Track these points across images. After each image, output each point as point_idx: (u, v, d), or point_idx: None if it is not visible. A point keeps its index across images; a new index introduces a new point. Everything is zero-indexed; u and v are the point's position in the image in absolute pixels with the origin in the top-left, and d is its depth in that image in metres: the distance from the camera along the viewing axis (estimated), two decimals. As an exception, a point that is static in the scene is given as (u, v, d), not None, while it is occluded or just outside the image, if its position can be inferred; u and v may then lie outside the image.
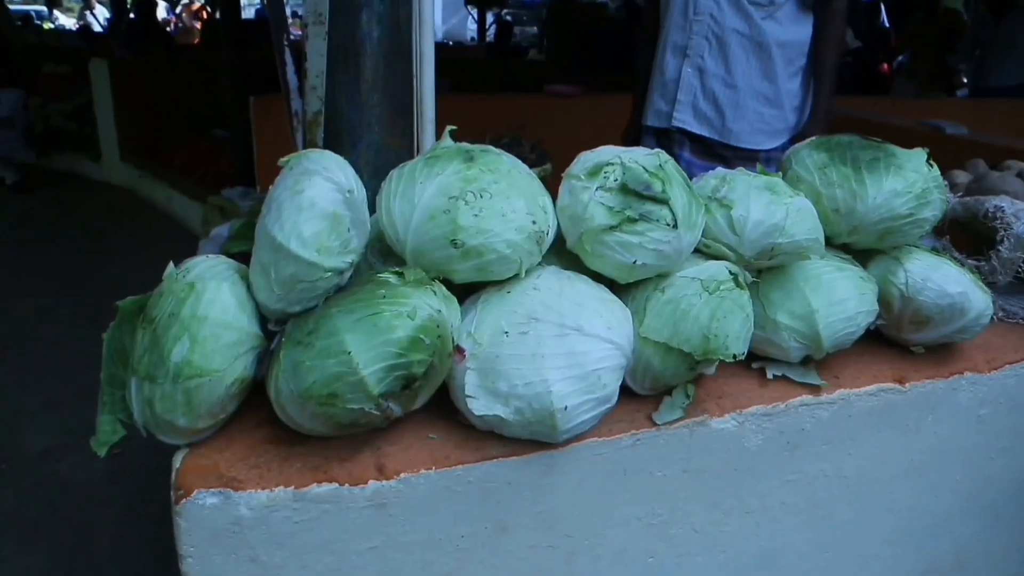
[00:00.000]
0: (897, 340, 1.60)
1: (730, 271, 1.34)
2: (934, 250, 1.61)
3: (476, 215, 1.19)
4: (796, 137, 2.55)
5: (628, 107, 2.93)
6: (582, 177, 1.29)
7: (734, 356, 1.27)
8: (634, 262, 1.27)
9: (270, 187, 1.20)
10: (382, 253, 1.36)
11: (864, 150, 1.50)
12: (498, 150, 1.32)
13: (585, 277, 1.31)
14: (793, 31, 2.45)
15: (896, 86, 8.55)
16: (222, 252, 3.26)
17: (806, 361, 1.50)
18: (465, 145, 1.32)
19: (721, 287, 1.30)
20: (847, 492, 1.58)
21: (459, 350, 1.20)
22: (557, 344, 1.18)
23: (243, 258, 2.85)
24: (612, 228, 1.25)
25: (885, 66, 10.03)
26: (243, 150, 5.15)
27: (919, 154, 1.50)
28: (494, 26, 15.92)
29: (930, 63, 7.93)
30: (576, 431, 1.21)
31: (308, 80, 1.31)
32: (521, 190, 1.25)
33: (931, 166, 1.50)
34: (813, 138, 1.59)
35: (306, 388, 1.09)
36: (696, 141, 2.56)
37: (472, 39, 18.24)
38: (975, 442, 1.68)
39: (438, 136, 1.60)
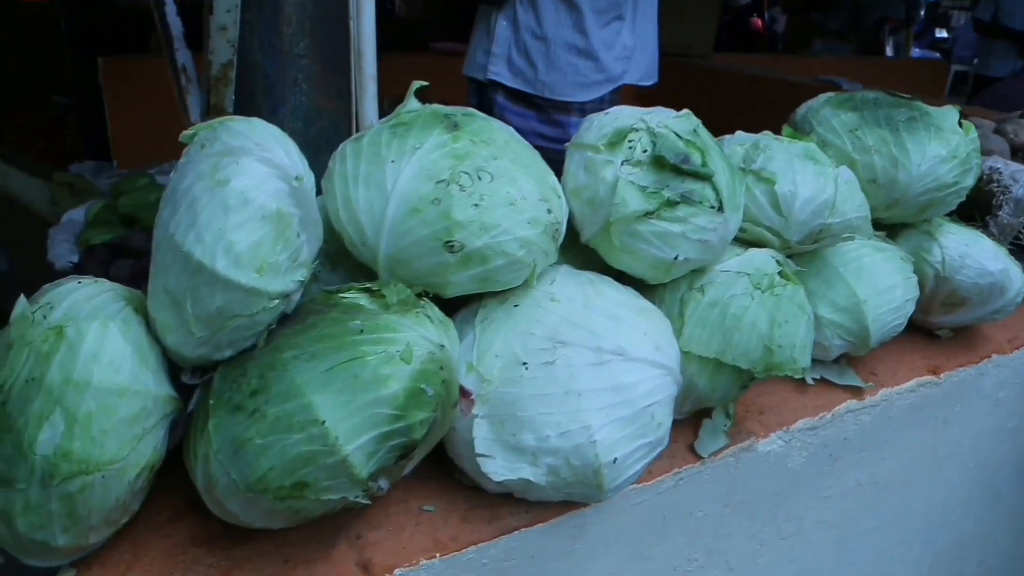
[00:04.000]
0: (921, 324, 1.41)
1: (777, 261, 1.08)
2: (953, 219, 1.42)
3: (477, 205, 0.85)
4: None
5: None
6: (601, 148, 0.98)
7: (803, 370, 1.01)
8: (675, 258, 0.98)
9: (172, 174, 0.81)
10: (329, 258, 1.00)
11: (896, 108, 1.27)
12: (483, 114, 0.99)
13: (608, 278, 1.01)
14: None
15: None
16: (80, 244, 2.68)
17: (839, 359, 1.28)
18: (439, 107, 0.97)
19: (775, 283, 1.03)
20: (875, 499, 1.40)
21: (463, 393, 0.88)
22: (596, 376, 0.88)
23: (111, 252, 2.26)
24: (648, 215, 0.95)
25: (759, 22, 10.20)
26: (91, 119, 4.41)
27: (952, 112, 1.29)
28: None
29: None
30: (622, 487, 0.92)
31: (214, 18, 0.92)
32: (527, 168, 0.92)
33: (964, 125, 1.30)
34: (829, 94, 1.36)
35: (259, 478, 0.73)
36: (511, 92, 2.43)
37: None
38: (989, 426, 1.55)
39: (388, 94, 1.23)
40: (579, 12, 2.33)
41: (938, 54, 7.07)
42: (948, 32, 7.60)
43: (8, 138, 5.36)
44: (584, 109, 2.41)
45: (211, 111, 1.02)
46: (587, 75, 2.43)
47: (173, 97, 1.19)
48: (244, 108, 1.08)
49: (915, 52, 7.09)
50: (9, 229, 4.49)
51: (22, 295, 0.79)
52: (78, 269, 2.25)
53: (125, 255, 2.21)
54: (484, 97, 2.46)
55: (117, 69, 3.90)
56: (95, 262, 2.18)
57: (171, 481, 0.85)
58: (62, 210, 3.40)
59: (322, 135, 1.12)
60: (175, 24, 1.16)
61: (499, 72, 2.42)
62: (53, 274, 2.40)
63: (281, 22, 1.03)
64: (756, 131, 1.23)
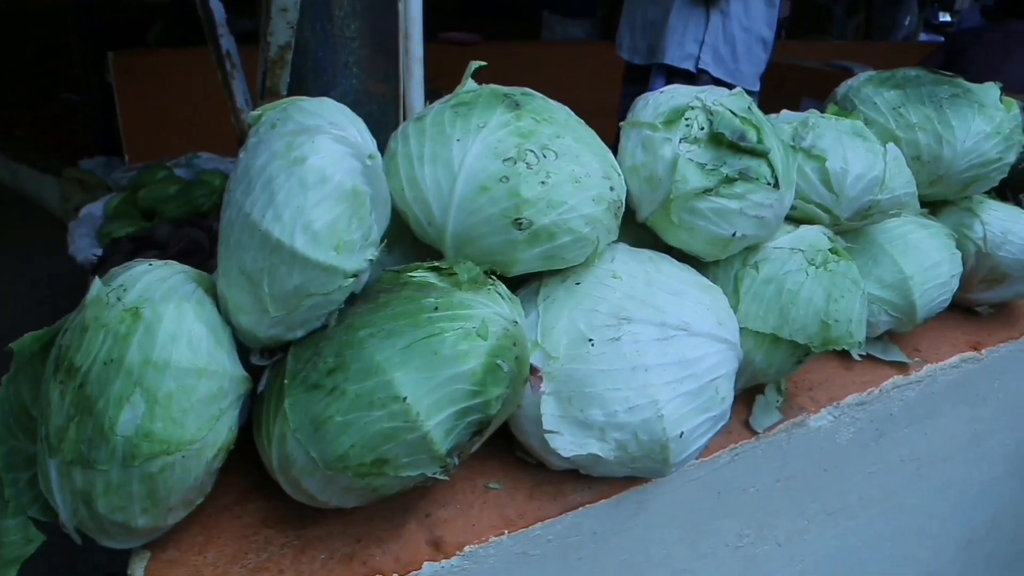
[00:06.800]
0: (960, 300, 1.41)
1: (828, 237, 1.08)
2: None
3: (544, 182, 0.85)
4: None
5: (536, 55, 2.87)
6: (659, 126, 0.98)
7: (859, 344, 1.01)
8: (733, 234, 0.98)
9: (240, 153, 0.81)
10: (387, 240, 0.99)
11: (939, 85, 1.27)
12: (540, 93, 0.99)
13: (666, 256, 1.01)
14: None
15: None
16: (101, 237, 2.68)
17: (883, 335, 1.28)
18: (498, 87, 0.97)
19: (829, 259, 1.03)
20: (917, 474, 1.40)
21: (532, 370, 0.88)
22: (661, 351, 0.88)
23: (135, 244, 2.26)
24: (707, 192, 0.95)
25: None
26: (101, 115, 4.40)
27: (993, 89, 1.29)
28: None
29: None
30: (686, 462, 0.93)
31: (275, 0, 0.91)
32: (589, 145, 0.92)
33: (1005, 102, 1.29)
34: (870, 72, 1.35)
35: (340, 456, 0.73)
36: (713, 81, 2.55)
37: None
38: (1025, 402, 1.55)
39: (428, 79, 1.23)
40: (773, 8, 2.54)
41: (942, 38, 7.05)
42: (952, 16, 7.58)
43: (17, 135, 5.35)
44: (755, 97, 2.53)
45: (267, 95, 1.02)
46: (762, 67, 2.67)
47: (184, 90, 1.18)
48: (294, 91, 1.08)
49: (923, 37, 7.05)
50: (22, 224, 4.48)
51: (95, 277, 0.79)
52: (103, 262, 2.25)
53: (150, 247, 2.21)
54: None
55: (127, 63, 3.89)
56: (120, 254, 2.18)
57: (235, 463, 0.85)
58: (72, 206, 3.39)
59: (371, 118, 1.12)
60: (218, 10, 1.16)
61: (708, 61, 2.54)
62: (76, 267, 2.40)
63: (333, 5, 1.02)
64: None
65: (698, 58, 2.53)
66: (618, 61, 2.94)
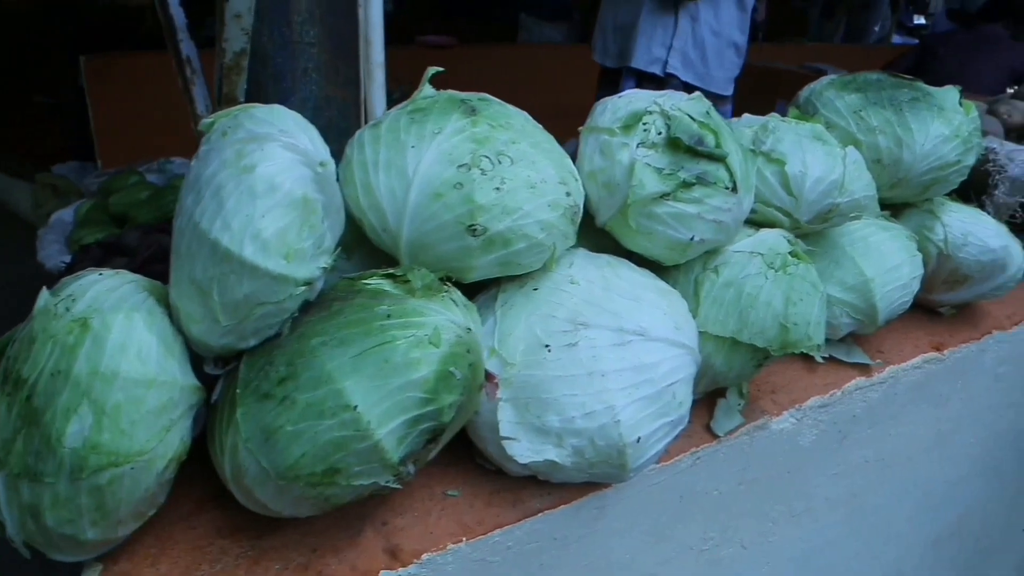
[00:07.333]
0: (923, 302, 1.43)
1: (788, 241, 1.09)
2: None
3: (498, 188, 0.85)
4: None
5: (513, 58, 2.87)
6: (616, 131, 0.98)
7: (818, 347, 1.02)
8: (691, 238, 0.99)
9: (192, 161, 0.80)
10: (345, 247, 0.99)
11: (899, 89, 1.29)
12: (498, 99, 0.99)
13: (625, 260, 1.01)
14: None
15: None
16: (71, 243, 2.65)
17: (845, 337, 1.29)
18: (455, 93, 0.97)
19: (788, 262, 1.04)
20: (882, 475, 1.42)
21: (487, 377, 0.88)
22: (618, 356, 0.88)
23: (104, 251, 2.24)
24: (665, 196, 0.96)
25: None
26: (74, 119, 4.35)
27: (953, 92, 1.31)
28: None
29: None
30: (644, 467, 0.93)
31: (229, 5, 0.90)
32: (546, 151, 0.92)
33: (964, 104, 1.31)
34: (832, 76, 1.37)
35: (290, 465, 0.72)
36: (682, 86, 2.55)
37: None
38: (990, 402, 1.57)
39: (391, 85, 1.23)
40: (745, 12, 2.54)
41: (916, 40, 7.14)
42: (927, 19, 7.68)
43: (-12, 138, 5.27)
44: (728, 102, 2.64)
45: (223, 101, 1.01)
46: (735, 71, 2.66)
47: (157, 94, 1.17)
48: (253, 98, 1.07)
49: (896, 39, 7.14)
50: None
51: (43, 288, 0.78)
52: (71, 269, 2.22)
53: (119, 254, 2.18)
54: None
55: (100, 67, 3.84)
56: (89, 261, 2.15)
57: (190, 473, 0.84)
58: (45, 212, 3.35)
59: (331, 124, 1.12)
60: (178, 15, 1.15)
61: (677, 66, 2.54)
62: (44, 275, 2.37)
63: (291, 11, 1.02)
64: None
65: (666, 62, 2.53)
66: (594, 64, 2.95)
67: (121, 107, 3.73)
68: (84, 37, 4.26)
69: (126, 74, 3.77)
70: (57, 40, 4.41)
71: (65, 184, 4.12)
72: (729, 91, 2.64)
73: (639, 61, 2.54)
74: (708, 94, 2.42)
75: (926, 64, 3.85)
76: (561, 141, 1.01)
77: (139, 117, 3.65)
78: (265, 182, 0.73)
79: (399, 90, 1.13)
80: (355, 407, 0.72)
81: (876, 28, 6.89)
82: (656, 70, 2.53)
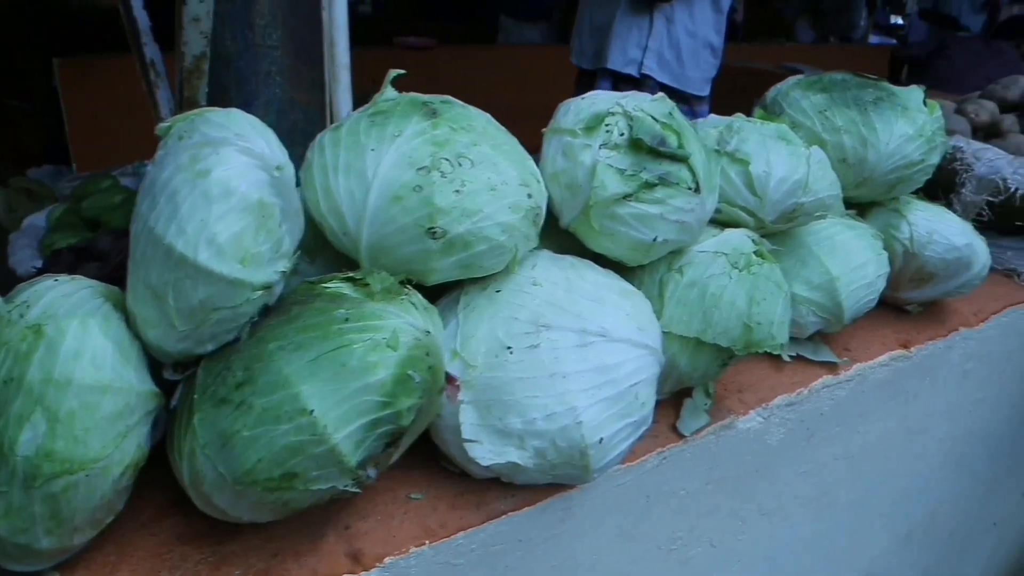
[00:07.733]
0: (891, 300, 1.45)
1: (753, 240, 1.10)
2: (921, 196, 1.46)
3: (458, 191, 0.85)
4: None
5: (492, 59, 2.89)
6: (578, 132, 0.99)
7: (781, 346, 1.03)
8: (654, 239, 0.99)
9: (149, 167, 0.80)
10: (308, 251, 0.99)
11: (863, 89, 1.30)
12: (460, 101, 0.99)
13: (589, 262, 1.02)
14: None
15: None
16: (43, 248, 2.62)
17: (813, 335, 1.30)
18: (417, 95, 0.97)
19: (752, 262, 1.05)
20: (851, 473, 1.43)
21: (448, 379, 0.88)
22: (580, 357, 0.88)
23: (76, 256, 2.23)
24: (627, 197, 0.96)
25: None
26: (48, 122, 4.30)
27: (917, 92, 1.32)
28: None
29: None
30: (608, 468, 0.93)
31: (187, 8, 0.90)
32: (507, 153, 0.92)
33: (928, 104, 1.33)
34: (799, 77, 1.38)
35: (247, 471, 0.72)
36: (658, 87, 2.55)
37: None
38: (958, 398, 1.59)
39: (357, 88, 1.23)
40: (721, 14, 2.56)
41: (895, 40, 7.22)
42: (903, 19, 7.76)
43: (-39, 142, 5.21)
44: (705, 102, 2.66)
45: (184, 105, 1.01)
46: (711, 72, 2.68)
47: (132, 97, 1.17)
48: (217, 102, 1.06)
49: (873, 39, 7.20)
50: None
51: (-3, 294, 0.77)
52: (42, 274, 2.20)
53: (91, 258, 2.16)
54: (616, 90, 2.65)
55: (74, 70, 3.81)
56: (60, 267, 2.12)
57: (152, 479, 0.84)
58: (19, 216, 3.31)
59: (296, 128, 1.11)
60: (142, 18, 1.15)
61: (652, 67, 2.55)
62: (15, 280, 2.34)
63: (253, 14, 1.01)
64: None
65: (641, 63, 2.53)
66: (573, 65, 2.96)
67: (96, 110, 3.70)
68: (57, 39, 4.22)
69: (100, 77, 3.74)
70: (30, 43, 4.36)
71: (40, 188, 4.08)
72: (706, 92, 2.65)
73: (615, 62, 2.54)
74: (685, 95, 2.44)
75: (939, 57, 4.01)
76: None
77: (114, 120, 3.62)
78: (220, 186, 0.73)
79: (354, 97, 1.14)
80: (311, 411, 0.72)
81: (859, 24, 6.96)
82: (632, 71, 2.54)
